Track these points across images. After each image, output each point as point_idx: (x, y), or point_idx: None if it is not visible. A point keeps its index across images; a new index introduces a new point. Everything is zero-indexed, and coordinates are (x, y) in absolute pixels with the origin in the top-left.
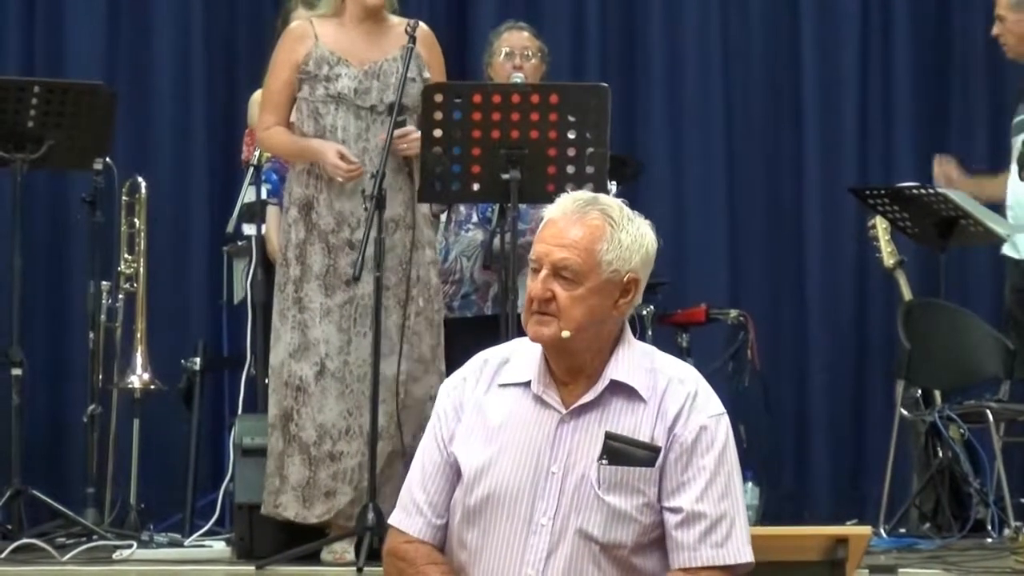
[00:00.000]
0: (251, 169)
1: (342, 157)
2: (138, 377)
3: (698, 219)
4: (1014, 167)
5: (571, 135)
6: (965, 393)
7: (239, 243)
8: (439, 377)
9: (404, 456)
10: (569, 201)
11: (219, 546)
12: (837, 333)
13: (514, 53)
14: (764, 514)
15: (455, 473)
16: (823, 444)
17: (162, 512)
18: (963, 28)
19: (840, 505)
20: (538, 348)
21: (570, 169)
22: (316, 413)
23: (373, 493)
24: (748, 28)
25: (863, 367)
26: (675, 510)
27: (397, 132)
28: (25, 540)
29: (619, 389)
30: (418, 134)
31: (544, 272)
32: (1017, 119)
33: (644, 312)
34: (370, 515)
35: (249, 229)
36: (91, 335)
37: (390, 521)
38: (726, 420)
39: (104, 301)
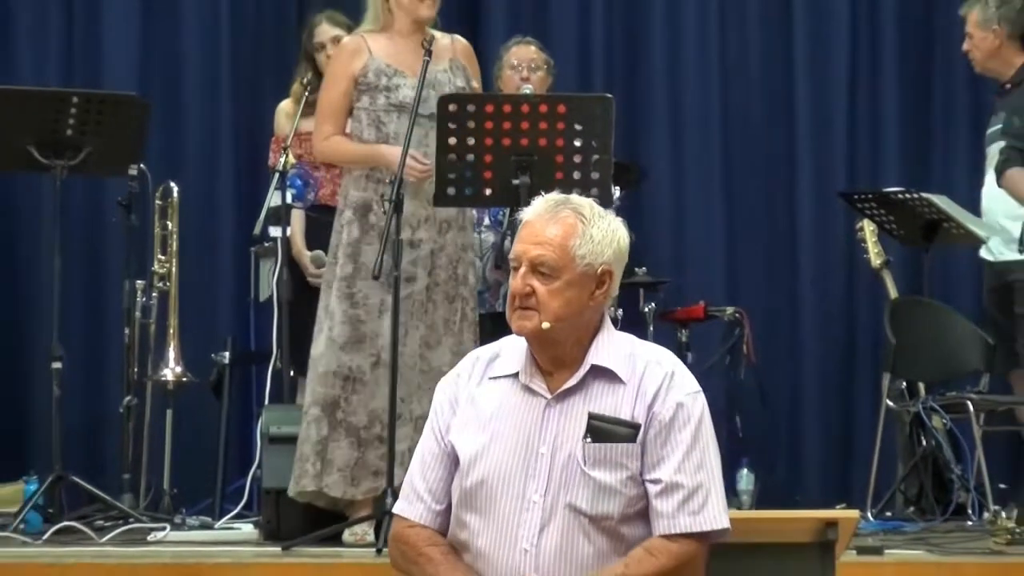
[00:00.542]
0: (276, 175)
1: (415, 159)
2: (171, 370)
3: (697, 222)
4: (990, 175)
5: (577, 143)
6: (947, 385)
7: (265, 244)
8: None
9: None
10: (543, 203)
11: (247, 528)
12: (827, 329)
13: (521, 66)
14: (759, 499)
15: (452, 462)
16: (814, 433)
17: (194, 497)
18: (945, 45)
19: (830, 490)
20: (524, 343)
21: (576, 175)
22: (369, 400)
23: (391, 479)
24: (744, 43)
25: (852, 361)
26: (655, 481)
27: (410, 160)
28: (65, 523)
29: (600, 373)
30: (425, 168)
31: (523, 269)
32: (991, 130)
33: (646, 309)
34: (388, 499)
35: (275, 231)
36: (127, 331)
37: (394, 510)
38: (702, 398)
39: (139, 299)
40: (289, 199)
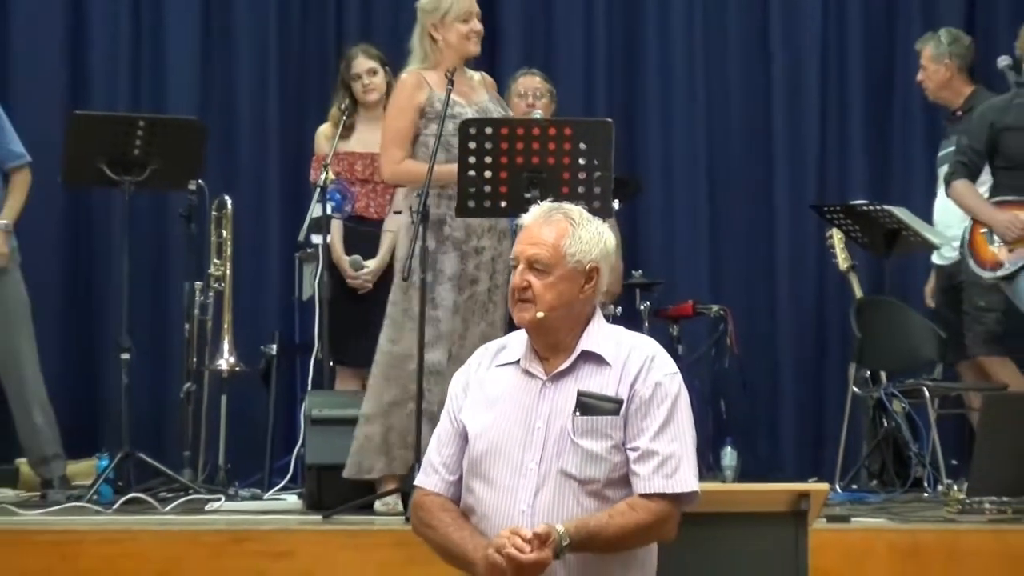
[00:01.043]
0: (318, 189)
1: None
2: (225, 360)
3: (686, 230)
4: (942, 190)
5: (581, 161)
6: (905, 374)
7: (308, 250)
8: None
9: None
10: (539, 210)
11: (292, 499)
12: (801, 324)
13: (527, 94)
14: (741, 473)
15: (464, 439)
16: (789, 416)
17: (245, 471)
18: (903, 77)
19: (803, 466)
20: (524, 335)
21: (581, 189)
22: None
23: (418, 455)
24: (727, 74)
25: (822, 352)
26: (635, 449)
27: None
28: (133, 494)
29: (590, 357)
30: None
31: (521, 266)
32: (941, 153)
33: (642, 307)
34: (415, 474)
35: (316, 239)
36: (187, 326)
37: (415, 482)
38: (679, 378)
39: (197, 298)
40: (329, 211)
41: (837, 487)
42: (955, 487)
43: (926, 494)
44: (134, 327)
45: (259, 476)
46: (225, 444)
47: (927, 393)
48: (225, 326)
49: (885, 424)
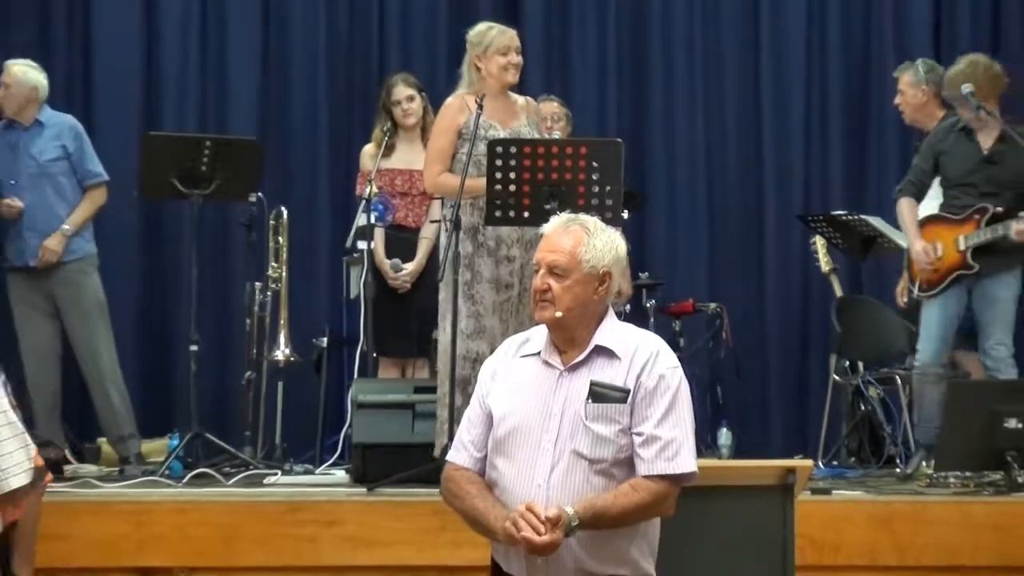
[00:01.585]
0: (363, 201)
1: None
2: (281, 352)
3: (687, 237)
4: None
5: (595, 176)
6: (880, 364)
7: (354, 255)
8: None
9: None
10: (558, 220)
11: (340, 474)
12: (788, 320)
13: (547, 118)
14: (735, 451)
15: (490, 420)
16: (778, 401)
17: (299, 449)
18: (880, 99)
19: (790, 445)
20: (545, 329)
21: (594, 201)
22: None
23: (451, 435)
24: (722, 97)
25: (807, 345)
26: (640, 434)
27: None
28: (200, 469)
29: (602, 351)
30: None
31: (542, 271)
32: None
33: (647, 305)
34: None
35: (362, 245)
36: (247, 321)
37: (446, 457)
38: (680, 371)
39: (257, 297)
40: (372, 220)
41: (820, 463)
42: (924, 464)
43: (898, 470)
44: (202, 322)
45: (311, 453)
46: (281, 425)
47: (899, 381)
48: (281, 321)
49: (862, 408)
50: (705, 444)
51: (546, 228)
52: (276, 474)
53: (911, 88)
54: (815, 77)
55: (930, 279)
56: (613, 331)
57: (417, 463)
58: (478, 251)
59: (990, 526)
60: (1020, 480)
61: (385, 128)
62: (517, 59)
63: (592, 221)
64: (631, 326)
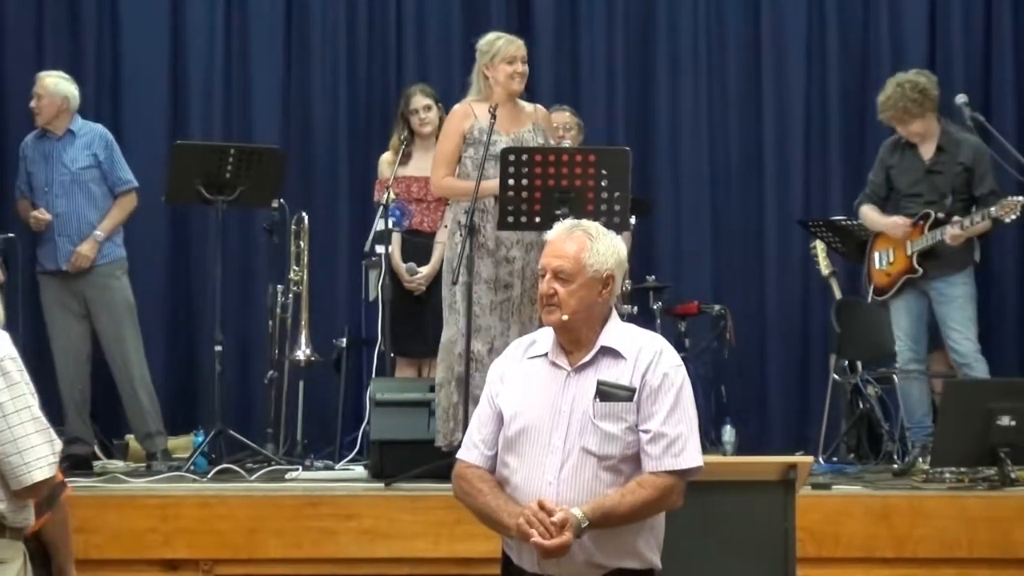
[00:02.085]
0: (381, 207)
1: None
2: (302, 352)
3: (691, 242)
4: None
5: (603, 183)
6: (878, 363)
7: (372, 258)
8: None
9: None
10: (561, 226)
11: (359, 469)
12: (789, 321)
13: (558, 127)
14: (739, 447)
15: (500, 419)
16: (779, 399)
17: (319, 446)
18: (875, 111)
19: (791, 441)
20: (552, 331)
21: (603, 207)
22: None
23: (463, 429)
24: (726, 108)
25: (807, 345)
26: (646, 431)
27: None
28: (224, 465)
29: (608, 352)
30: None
31: (548, 276)
32: None
33: (654, 307)
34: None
35: (380, 249)
36: (270, 322)
37: (457, 455)
38: (683, 370)
39: (279, 299)
40: (390, 225)
41: (820, 459)
42: (920, 460)
43: (895, 466)
44: (226, 323)
45: (331, 450)
46: (302, 423)
47: (896, 380)
48: (302, 322)
49: (861, 406)
50: (709, 441)
51: (550, 234)
52: (297, 470)
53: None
54: (815, 86)
55: (883, 284)
56: (618, 332)
57: (433, 459)
58: (478, 252)
59: (984, 519)
60: (1013, 475)
61: (402, 136)
62: (522, 68)
63: (594, 226)
64: (634, 327)
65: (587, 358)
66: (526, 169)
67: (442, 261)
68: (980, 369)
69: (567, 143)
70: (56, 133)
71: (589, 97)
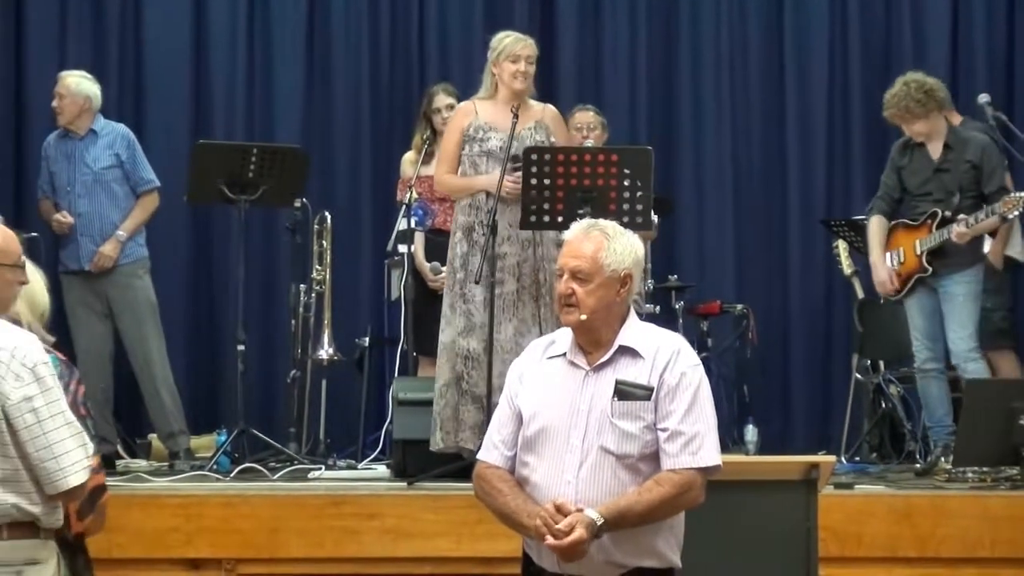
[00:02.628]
0: (403, 207)
1: (510, 181)
2: (325, 351)
3: (714, 241)
4: None
5: (626, 183)
6: (901, 363)
7: (395, 258)
8: None
9: None
10: (579, 226)
11: (382, 469)
12: (812, 321)
13: (582, 127)
14: (761, 447)
15: (519, 420)
16: (802, 398)
17: (342, 445)
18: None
19: (813, 441)
20: (570, 331)
21: (625, 207)
22: (486, 374)
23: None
24: (749, 108)
25: (829, 345)
26: (664, 430)
27: (508, 180)
28: (247, 464)
29: (626, 351)
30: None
31: (566, 276)
32: None
33: (677, 306)
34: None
35: (402, 248)
36: (292, 322)
37: (477, 456)
38: (701, 369)
39: (302, 298)
40: (413, 225)
41: (842, 459)
42: (942, 459)
43: (918, 465)
44: (248, 323)
45: (353, 449)
46: (325, 422)
47: (917, 378)
48: (325, 322)
49: (883, 406)
50: (732, 440)
51: (567, 234)
52: (320, 469)
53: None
54: (837, 85)
55: (894, 284)
56: (636, 331)
57: (455, 458)
58: (472, 250)
59: (1007, 518)
60: None
61: (425, 136)
62: (525, 67)
63: (611, 226)
64: (652, 326)
65: (605, 357)
66: (548, 168)
67: None
68: (972, 370)
69: (590, 143)
70: (78, 133)
71: (611, 96)
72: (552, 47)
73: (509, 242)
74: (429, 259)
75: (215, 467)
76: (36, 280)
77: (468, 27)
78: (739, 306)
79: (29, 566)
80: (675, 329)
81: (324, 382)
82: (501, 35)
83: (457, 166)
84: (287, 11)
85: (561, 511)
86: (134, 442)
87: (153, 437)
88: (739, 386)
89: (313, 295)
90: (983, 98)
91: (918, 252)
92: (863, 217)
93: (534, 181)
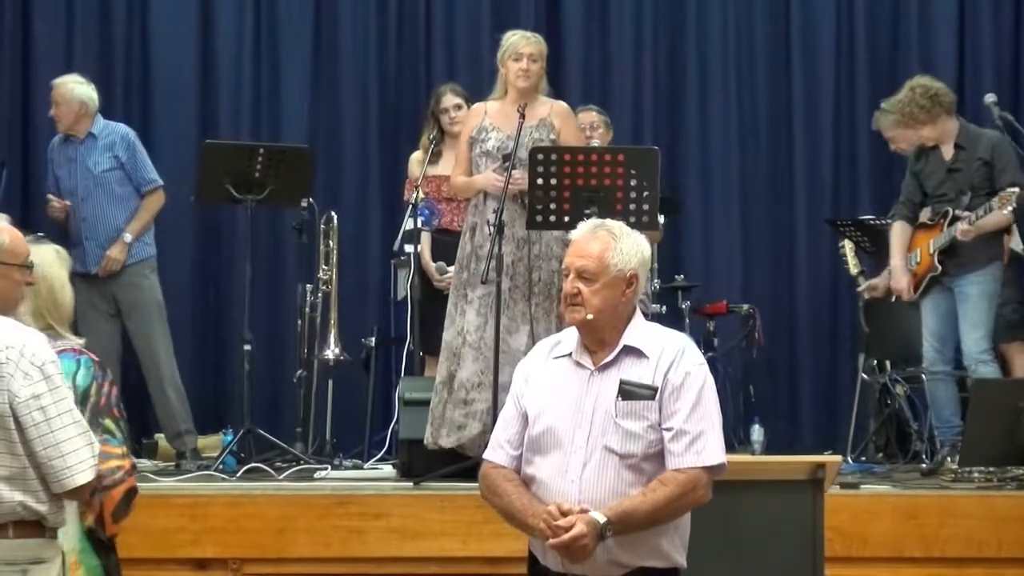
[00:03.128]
0: (410, 206)
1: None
2: (331, 351)
3: (720, 241)
4: None
5: (632, 183)
6: (907, 363)
7: (402, 258)
8: None
9: None
10: (585, 226)
11: (388, 468)
12: (818, 320)
13: (585, 127)
14: (767, 447)
15: (524, 420)
16: (808, 398)
17: (348, 445)
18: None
19: (820, 441)
20: (575, 331)
21: (632, 207)
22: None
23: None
24: (755, 108)
25: (836, 345)
26: (669, 429)
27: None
28: (253, 464)
29: (630, 351)
30: (523, 176)
31: (572, 275)
32: None
33: (683, 306)
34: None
35: (409, 248)
36: (299, 321)
37: (483, 456)
38: (705, 368)
39: (308, 298)
40: (419, 224)
41: (848, 459)
42: (948, 459)
43: (924, 465)
44: (255, 323)
45: (360, 449)
46: (331, 422)
47: (924, 379)
48: (331, 322)
49: (889, 406)
50: (738, 440)
51: (574, 234)
52: (326, 469)
53: (893, 130)
54: (844, 85)
55: (913, 283)
56: (641, 331)
57: (462, 458)
58: (474, 250)
59: (1013, 519)
60: None
61: (432, 136)
62: (528, 65)
63: (618, 226)
64: (657, 326)
65: (610, 357)
66: (555, 168)
67: None
68: (984, 371)
69: (596, 142)
70: (78, 137)
71: (618, 96)
72: (558, 48)
73: (506, 241)
74: (435, 259)
75: (221, 467)
76: (64, 283)
77: (475, 28)
78: (745, 306)
79: (34, 565)
80: (681, 329)
81: (330, 382)
82: (508, 34)
83: (469, 168)
84: (294, 12)
85: (563, 512)
86: (140, 442)
87: (160, 437)
88: (745, 386)
89: (320, 295)
90: (989, 98)
91: (930, 251)
92: (870, 217)
93: (540, 181)
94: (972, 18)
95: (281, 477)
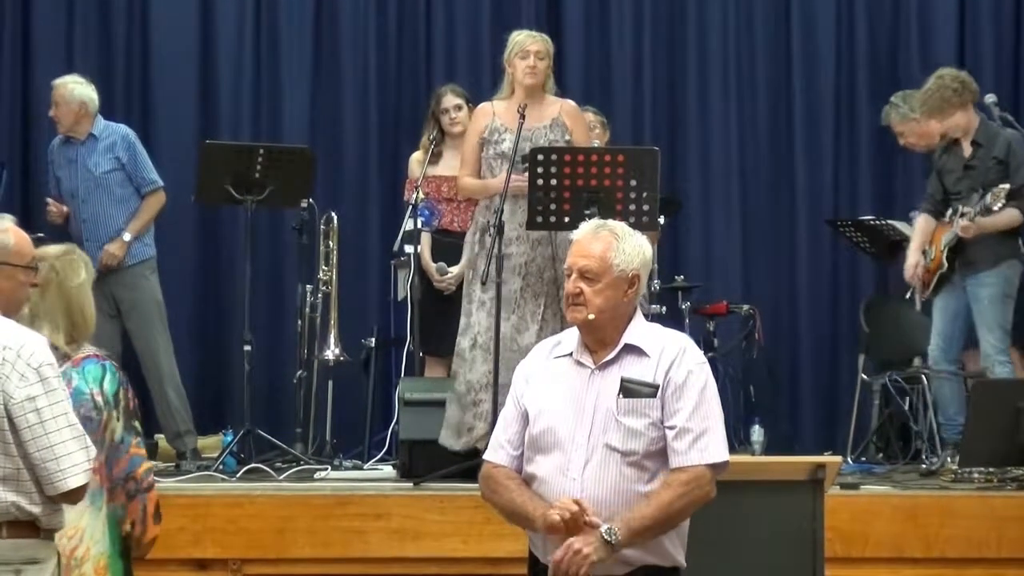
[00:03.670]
0: (410, 207)
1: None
2: (331, 351)
3: (721, 241)
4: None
5: (632, 183)
6: (907, 363)
7: (402, 258)
8: None
9: None
10: (588, 226)
11: (388, 469)
12: (818, 321)
13: None
14: (767, 447)
15: (525, 419)
16: (808, 399)
17: (348, 445)
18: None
19: (820, 441)
20: (576, 331)
21: (632, 207)
22: (467, 373)
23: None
24: (755, 107)
25: (836, 345)
26: (672, 427)
27: (515, 178)
28: (253, 464)
29: (631, 349)
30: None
31: (574, 275)
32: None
33: (683, 307)
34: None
35: (409, 248)
36: (299, 322)
37: (484, 456)
38: (707, 366)
39: (308, 298)
40: (419, 225)
41: (848, 459)
42: (949, 460)
43: (924, 465)
44: (255, 323)
45: (360, 449)
46: (331, 422)
47: (925, 379)
48: (331, 322)
49: (889, 406)
50: (738, 440)
51: (576, 234)
52: (326, 469)
53: (903, 124)
54: (844, 85)
55: (926, 281)
56: (641, 330)
57: (462, 458)
58: (481, 251)
59: (1013, 519)
60: None
61: (432, 136)
62: (534, 62)
63: (620, 226)
64: (658, 326)
65: (611, 356)
66: (555, 169)
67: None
68: (1000, 372)
69: (596, 142)
70: (79, 138)
71: (618, 97)
72: (559, 48)
73: (517, 242)
74: (436, 259)
75: (221, 467)
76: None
77: (475, 28)
78: (745, 306)
79: (28, 565)
80: (681, 329)
81: (330, 382)
82: (515, 33)
83: (478, 169)
84: (294, 11)
85: (580, 507)
86: None
87: (160, 437)
88: (745, 386)
89: (320, 295)
90: (990, 98)
91: (941, 248)
92: (870, 217)
93: (541, 181)
94: (972, 18)
95: (281, 478)
